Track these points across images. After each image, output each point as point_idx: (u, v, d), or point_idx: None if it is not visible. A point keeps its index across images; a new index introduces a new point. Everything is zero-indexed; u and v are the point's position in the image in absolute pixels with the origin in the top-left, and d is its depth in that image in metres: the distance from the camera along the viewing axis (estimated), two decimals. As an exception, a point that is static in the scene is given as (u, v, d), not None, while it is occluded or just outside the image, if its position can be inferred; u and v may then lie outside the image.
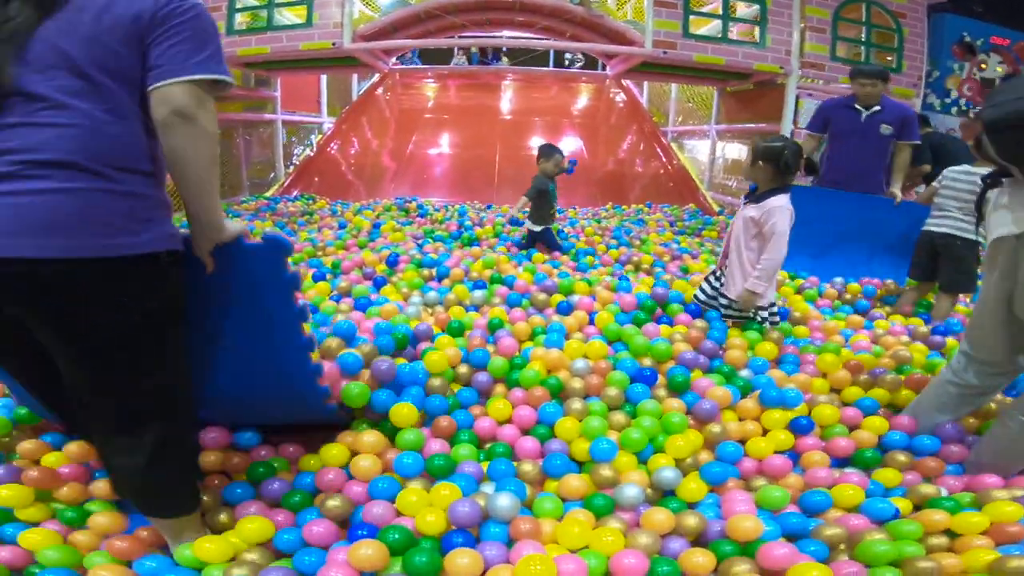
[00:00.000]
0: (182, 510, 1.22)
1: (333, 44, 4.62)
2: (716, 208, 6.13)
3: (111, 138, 0.97)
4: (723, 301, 2.34)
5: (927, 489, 1.51)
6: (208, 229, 1.08)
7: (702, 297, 2.46)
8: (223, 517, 1.37)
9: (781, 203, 2.11)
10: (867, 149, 3.43)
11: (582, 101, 7.74)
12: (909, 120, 3.39)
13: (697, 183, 6.69)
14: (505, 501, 1.29)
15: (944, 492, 1.53)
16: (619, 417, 1.71)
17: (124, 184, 0.98)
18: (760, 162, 2.16)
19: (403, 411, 1.62)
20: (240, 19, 4.60)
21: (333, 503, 1.36)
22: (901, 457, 1.65)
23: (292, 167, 6.93)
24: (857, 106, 3.39)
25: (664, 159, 7.04)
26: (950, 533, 1.37)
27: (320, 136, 7.43)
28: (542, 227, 3.65)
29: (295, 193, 6.07)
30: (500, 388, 1.89)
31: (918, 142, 3.43)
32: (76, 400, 1.11)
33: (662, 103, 7.91)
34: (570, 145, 7.12)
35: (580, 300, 2.51)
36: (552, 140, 7.15)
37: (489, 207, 5.48)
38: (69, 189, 0.92)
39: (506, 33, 5.89)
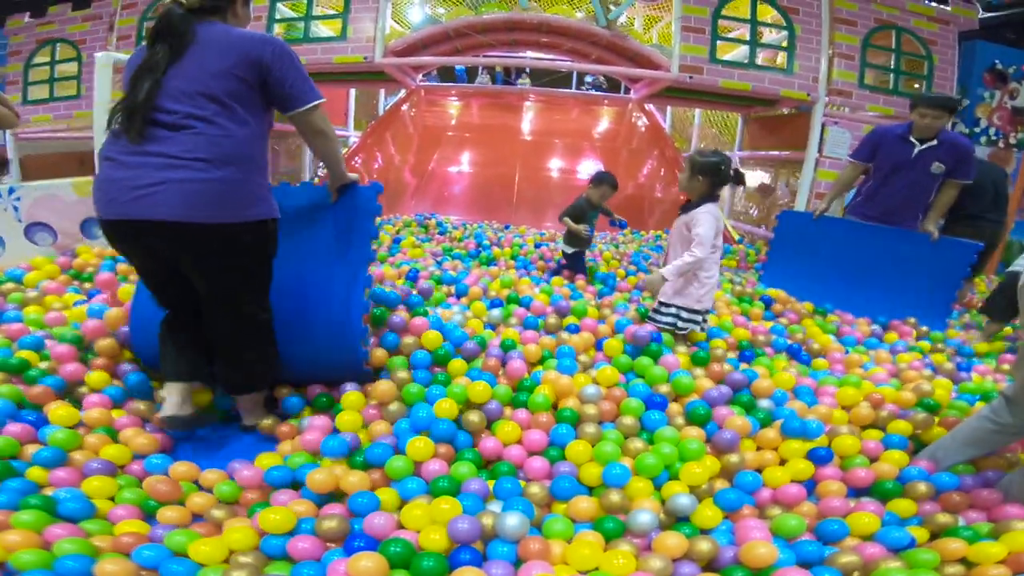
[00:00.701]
0: (261, 384, 1.84)
1: (365, 58, 4.72)
2: (736, 236, 6.06)
3: (237, 144, 1.51)
4: (667, 311, 2.39)
5: (944, 519, 1.49)
6: (339, 178, 1.88)
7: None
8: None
9: (708, 210, 2.26)
10: (913, 187, 3.17)
11: (604, 124, 7.77)
12: (965, 157, 3.08)
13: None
14: (513, 520, 1.25)
15: (962, 521, 1.50)
16: (635, 443, 1.67)
17: (245, 174, 1.53)
18: (700, 176, 2.28)
19: (418, 444, 1.59)
20: (277, 30, 4.73)
21: (329, 524, 1.31)
22: (922, 487, 1.60)
23: (317, 178, 7.04)
24: (912, 138, 3.10)
25: (685, 185, 7.00)
26: (967, 562, 1.35)
27: (346, 150, 7.56)
28: (573, 250, 3.60)
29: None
30: (508, 411, 1.87)
31: (969, 181, 3.13)
32: (206, 308, 1.68)
33: (685, 128, 7.91)
34: (589, 168, 7.13)
35: (585, 322, 2.49)
36: (572, 163, 7.20)
37: (507, 227, 5.48)
38: (212, 179, 1.46)
39: (530, 54, 5.96)
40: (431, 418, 1.71)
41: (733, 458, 1.65)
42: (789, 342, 2.66)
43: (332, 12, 4.74)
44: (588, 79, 9.55)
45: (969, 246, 2.95)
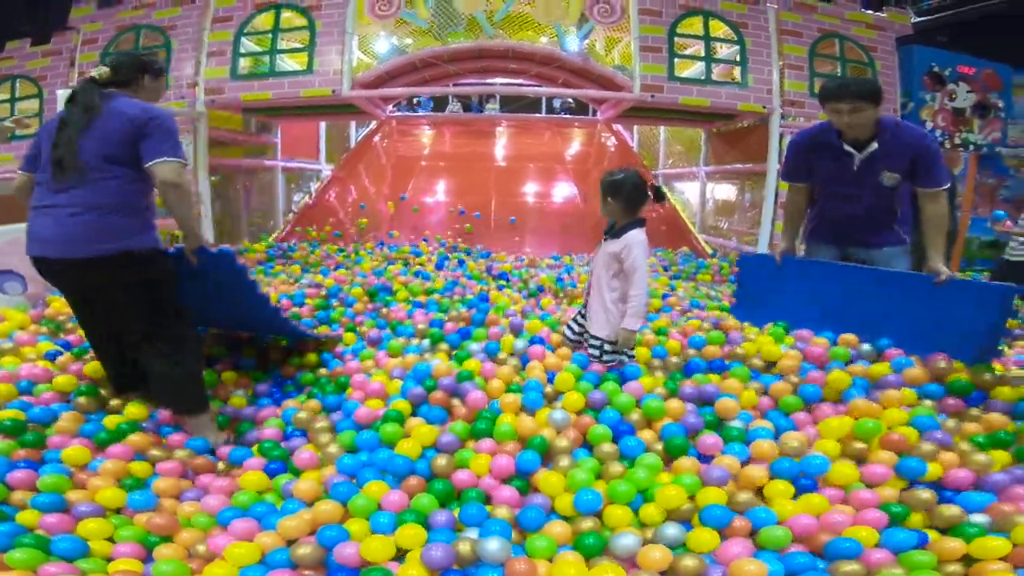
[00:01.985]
0: (199, 407, 2.03)
1: (333, 91, 4.78)
2: (709, 251, 6.18)
3: (124, 195, 1.86)
4: (593, 342, 2.29)
5: (951, 511, 1.47)
6: (194, 239, 1.98)
7: (570, 335, 2.47)
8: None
9: (638, 238, 2.10)
10: (870, 210, 2.48)
11: (575, 146, 7.95)
12: (924, 154, 2.30)
13: (689, 226, 6.79)
14: (494, 544, 1.26)
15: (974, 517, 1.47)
16: (614, 468, 1.67)
17: (129, 216, 1.87)
18: (608, 198, 2.16)
19: (373, 488, 1.58)
20: (243, 64, 4.79)
21: (303, 551, 1.35)
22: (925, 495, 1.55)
23: (291, 214, 7.03)
24: (846, 147, 2.38)
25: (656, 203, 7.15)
26: (969, 559, 1.34)
27: (319, 183, 7.58)
28: None
29: (293, 242, 6.09)
30: (470, 443, 1.84)
31: (944, 186, 2.34)
32: (125, 340, 2.04)
33: (652, 146, 8.13)
34: (564, 191, 7.26)
35: (532, 350, 2.41)
36: (546, 186, 7.33)
37: (487, 255, 5.50)
38: (98, 219, 1.82)
39: (499, 80, 6.12)
40: (392, 456, 1.71)
41: (725, 490, 1.60)
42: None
43: (298, 45, 4.82)
44: (556, 102, 9.81)
45: (996, 288, 2.20)
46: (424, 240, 5.77)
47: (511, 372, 2.18)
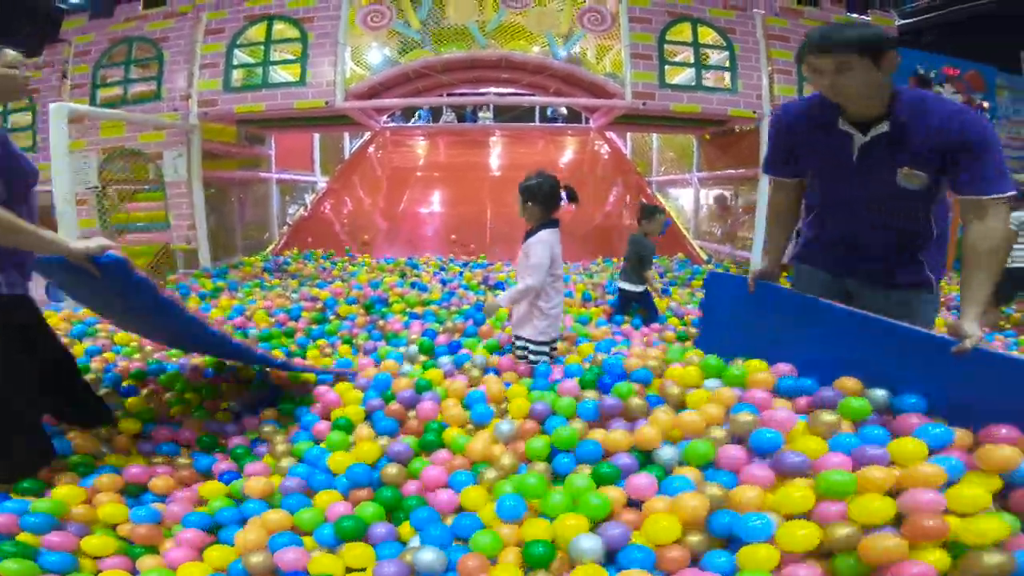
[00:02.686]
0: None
1: (326, 103, 4.80)
2: (704, 256, 6.20)
3: None
4: (518, 343, 2.40)
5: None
6: (69, 254, 1.54)
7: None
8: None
9: (543, 237, 2.24)
10: (882, 225, 1.70)
11: (568, 155, 7.99)
12: (969, 144, 1.47)
13: (683, 232, 6.81)
14: (428, 556, 1.26)
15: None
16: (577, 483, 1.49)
17: None
18: (529, 202, 2.27)
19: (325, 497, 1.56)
20: (236, 76, 4.80)
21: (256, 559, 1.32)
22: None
23: (286, 227, 7.02)
24: (843, 125, 1.62)
25: (650, 209, 7.19)
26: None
27: (313, 195, 7.59)
28: (643, 288, 3.41)
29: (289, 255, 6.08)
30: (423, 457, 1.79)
31: (1008, 193, 1.48)
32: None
33: (645, 153, 8.19)
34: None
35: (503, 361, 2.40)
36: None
37: (479, 266, 5.50)
38: None
39: (492, 90, 6.16)
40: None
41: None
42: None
43: (291, 57, 4.85)
44: (550, 111, 9.90)
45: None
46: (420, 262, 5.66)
47: (462, 387, 2.10)
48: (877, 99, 1.55)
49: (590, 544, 1.24)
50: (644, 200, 3.74)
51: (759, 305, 1.99)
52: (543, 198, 2.26)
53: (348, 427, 1.91)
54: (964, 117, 1.51)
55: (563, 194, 2.32)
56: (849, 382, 1.62)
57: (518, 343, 2.40)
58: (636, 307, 3.50)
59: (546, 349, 2.35)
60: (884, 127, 1.56)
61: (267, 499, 1.61)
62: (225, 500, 1.61)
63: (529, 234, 2.30)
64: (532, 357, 2.36)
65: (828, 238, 1.84)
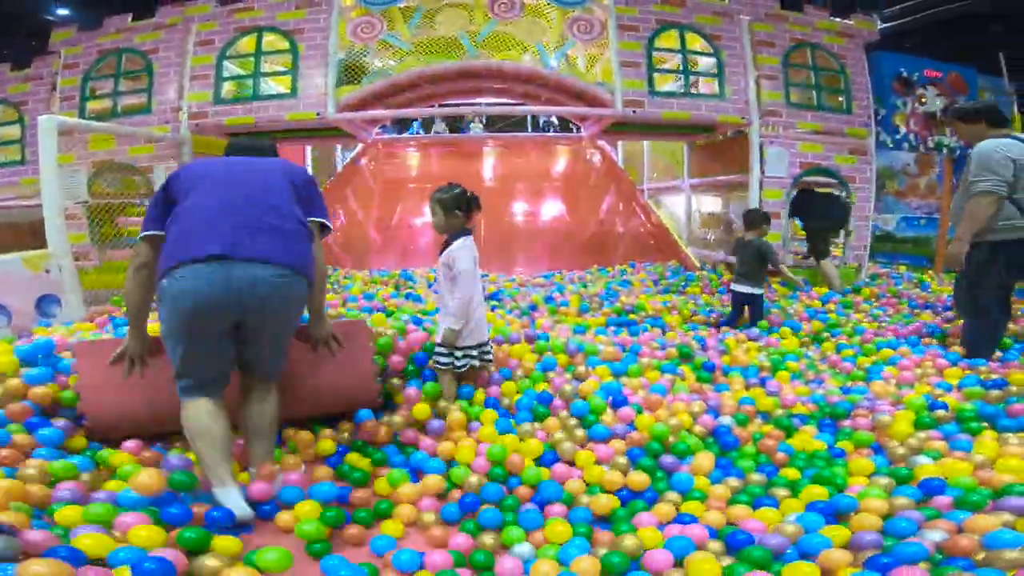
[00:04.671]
0: None
1: (318, 114, 4.80)
2: (698, 263, 6.22)
3: None
4: (437, 349, 2.37)
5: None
6: None
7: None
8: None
9: (463, 244, 2.29)
10: None
11: (561, 164, 8.03)
12: None
13: (677, 239, 6.83)
14: None
15: None
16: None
17: None
18: (445, 213, 2.32)
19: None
20: (227, 88, 4.80)
21: None
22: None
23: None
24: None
25: (643, 217, 7.22)
26: None
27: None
28: (760, 291, 3.66)
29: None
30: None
31: None
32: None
33: (636, 161, 8.23)
34: (552, 209, 7.31)
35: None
36: (534, 204, 7.37)
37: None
38: None
39: (484, 100, 6.18)
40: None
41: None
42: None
43: (282, 69, 4.85)
44: (541, 120, 9.96)
45: None
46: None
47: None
48: None
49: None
50: (751, 208, 4.13)
51: None
52: (463, 207, 2.33)
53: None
54: None
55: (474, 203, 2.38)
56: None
57: (437, 349, 2.36)
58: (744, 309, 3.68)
59: (475, 353, 2.35)
60: None
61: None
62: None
63: (447, 244, 2.34)
64: (458, 364, 2.32)
65: None
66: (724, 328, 3.60)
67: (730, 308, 3.79)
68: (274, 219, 1.72)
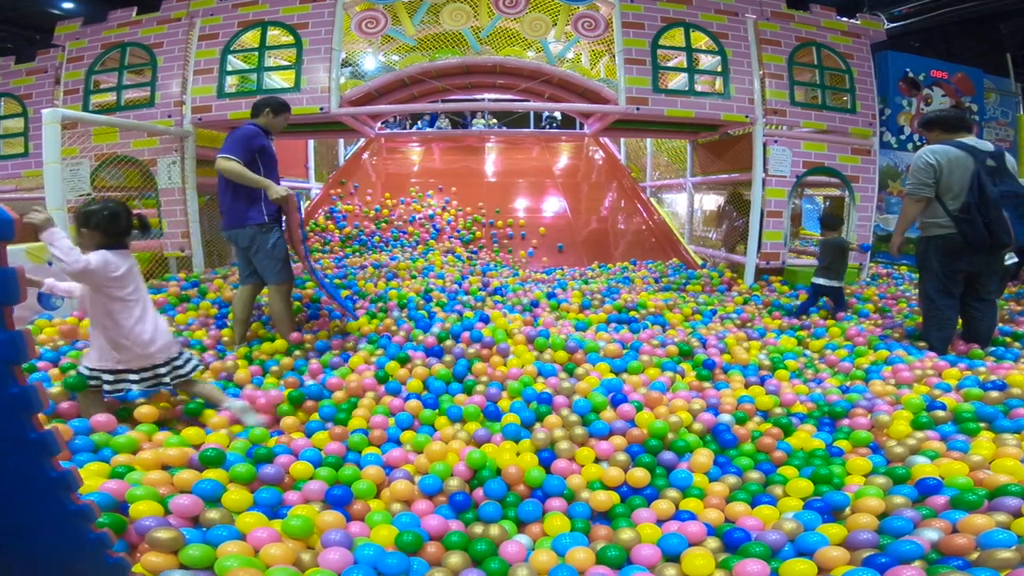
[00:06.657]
0: None
1: (321, 109, 4.79)
2: (699, 261, 6.22)
3: None
4: (91, 374, 2.18)
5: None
6: None
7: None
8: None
9: (102, 256, 2.07)
10: None
11: (563, 160, 8.02)
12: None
13: (678, 237, 6.83)
14: None
15: None
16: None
17: None
18: (81, 228, 2.13)
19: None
20: (230, 82, 4.80)
21: None
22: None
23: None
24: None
25: (645, 215, 7.22)
26: None
27: (308, 202, 7.57)
28: (841, 283, 3.98)
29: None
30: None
31: None
32: None
33: (639, 159, 8.22)
34: (554, 205, 7.31)
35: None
36: (536, 201, 7.37)
37: (487, 269, 5.49)
38: None
39: (488, 96, 6.18)
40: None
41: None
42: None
43: (285, 63, 4.85)
44: (544, 117, 9.93)
45: None
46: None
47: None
48: None
49: None
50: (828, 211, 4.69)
51: None
52: (101, 225, 2.12)
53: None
54: None
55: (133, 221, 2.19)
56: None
57: (90, 374, 2.16)
58: (823, 301, 4.09)
59: (111, 378, 2.14)
60: None
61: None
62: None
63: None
64: (108, 388, 2.15)
65: None
66: (803, 317, 3.98)
67: (805, 297, 4.16)
68: None
